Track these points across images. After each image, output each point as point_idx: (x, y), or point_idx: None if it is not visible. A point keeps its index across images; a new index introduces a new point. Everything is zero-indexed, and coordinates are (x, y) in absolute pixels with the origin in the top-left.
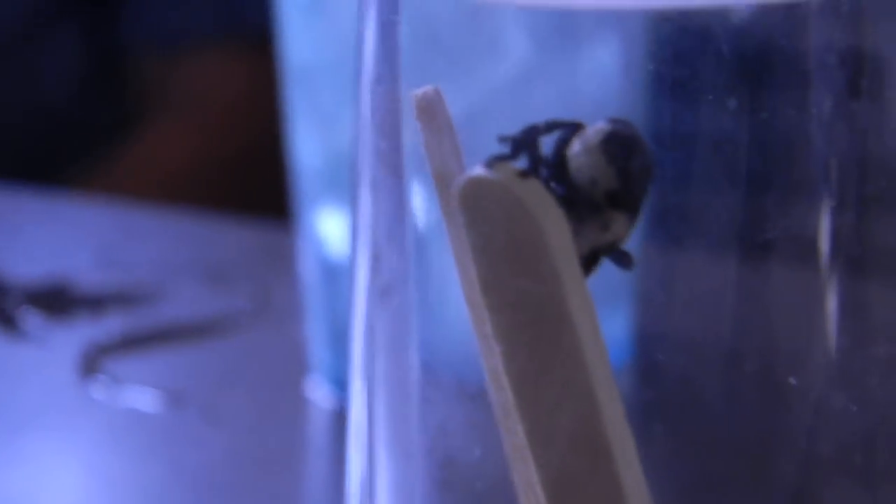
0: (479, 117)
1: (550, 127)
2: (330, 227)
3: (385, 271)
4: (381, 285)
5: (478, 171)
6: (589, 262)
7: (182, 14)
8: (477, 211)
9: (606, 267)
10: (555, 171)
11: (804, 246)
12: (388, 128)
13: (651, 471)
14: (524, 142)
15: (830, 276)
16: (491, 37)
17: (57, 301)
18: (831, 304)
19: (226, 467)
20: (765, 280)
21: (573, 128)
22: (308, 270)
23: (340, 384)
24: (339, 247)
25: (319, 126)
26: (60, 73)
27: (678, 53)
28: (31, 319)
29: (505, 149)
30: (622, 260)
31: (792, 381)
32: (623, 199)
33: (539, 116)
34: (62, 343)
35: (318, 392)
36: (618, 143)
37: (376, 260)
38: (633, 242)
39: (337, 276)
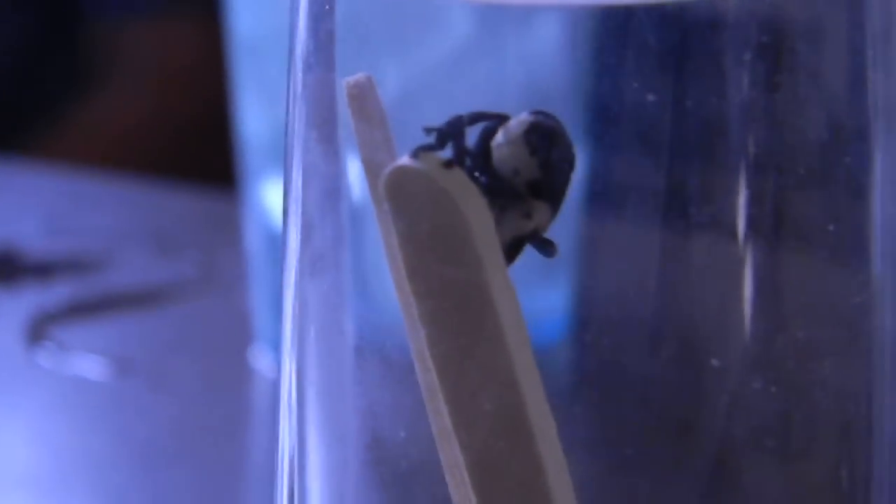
0: (408, 106)
1: (475, 118)
2: (275, 198)
3: (316, 244)
4: (312, 258)
5: (403, 161)
6: (512, 250)
7: None
8: (402, 200)
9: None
10: (479, 161)
11: (725, 232)
12: (321, 106)
13: (575, 447)
14: (449, 133)
15: (749, 263)
16: (419, 25)
17: (4, 268)
18: (750, 288)
19: (171, 435)
20: (687, 265)
21: (497, 119)
22: (253, 240)
23: None
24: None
25: (265, 98)
26: (10, 37)
27: (606, 43)
28: None
29: (431, 139)
30: (544, 247)
31: (714, 362)
32: (544, 189)
33: (467, 106)
34: (9, 310)
35: (263, 360)
36: (539, 135)
37: (307, 233)
38: (569, 221)
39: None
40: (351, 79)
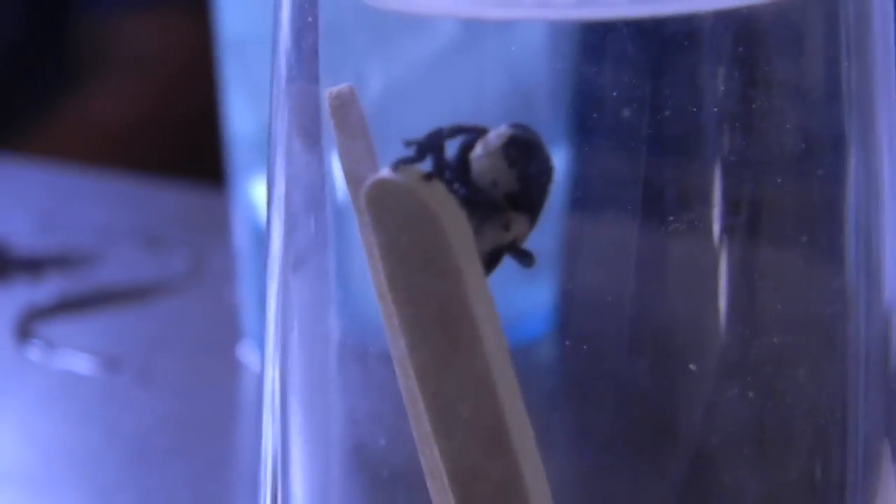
0: (390, 115)
1: (455, 131)
2: (262, 195)
3: (300, 241)
4: (295, 255)
5: (384, 173)
6: (490, 261)
7: None
8: (383, 212)
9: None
10: (458, 173)
11: (702, 238)
12: (304, 117)
13: (553, 452)
14: (429, 146)
15: (725, 269)
16: (402, 36)
17: None
18: (726, 294)
19: (160, 430)
20: (664, 272)
21: (476, 132)
22: (241, 237)
23: None
24: None
25: (252, 96)
26: (0, 31)
27: (586, 53)
28: None
29: (411, 152)
30: (523, 258)
31: (692, 367)
32: (522, 201)
33: (449, 115)
34: None
35: (251, 356)
36: (518, 147)
37: (291, 230)
38: (551, 224)
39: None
40: (333, 90)
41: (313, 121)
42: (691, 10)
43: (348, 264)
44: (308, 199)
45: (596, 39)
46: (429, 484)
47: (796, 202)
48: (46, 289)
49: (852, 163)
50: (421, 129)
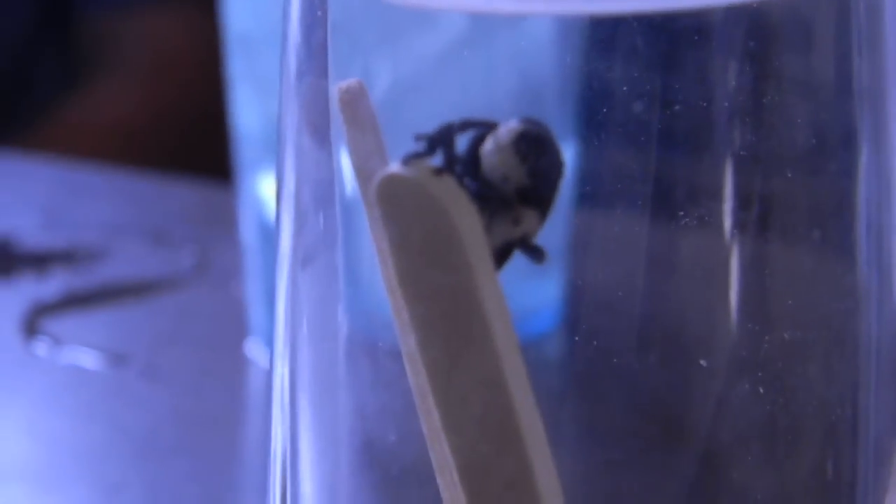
0: (399, 110)
1: (465, 126)
2: (269, 191)
3: (309, 238)
4: (305, 252)
5: (394, 168)
6: (501, 256)
7: None
8: (393, 206)
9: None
10: (468, 168)
11: (713, 234)
12: (313, 112)
13: (564, 447)
14: (439, 140)
15: (736, 265)
16: (411, 30)
17: (0, 259)
18: (737, 289)
19: (167, 426)
20: (674, 268)
21: (487, 127)
22: (247, 233)
23: None
24: None
25: (259, 92)
26: (5, 27)
27: (596, 47)
28: None
29: (421, 146)
30: (533, 254)
31: (702, 363)
32: (533, 196)
33: (458, 110)
34: (5, 302)
35: (258, 352)
36: (528, 142)
37: (300, 226)
38: (561, 219)
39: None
40: (343, 84)
41: (323, 116)
42: (702, 5)
43: (358, 260)
44: (317, 194)
45: (606, 34)
46: (439, 480)
47: (807, 198)
48: (53, 285)
49: (863, 158)
50: (430, 123)
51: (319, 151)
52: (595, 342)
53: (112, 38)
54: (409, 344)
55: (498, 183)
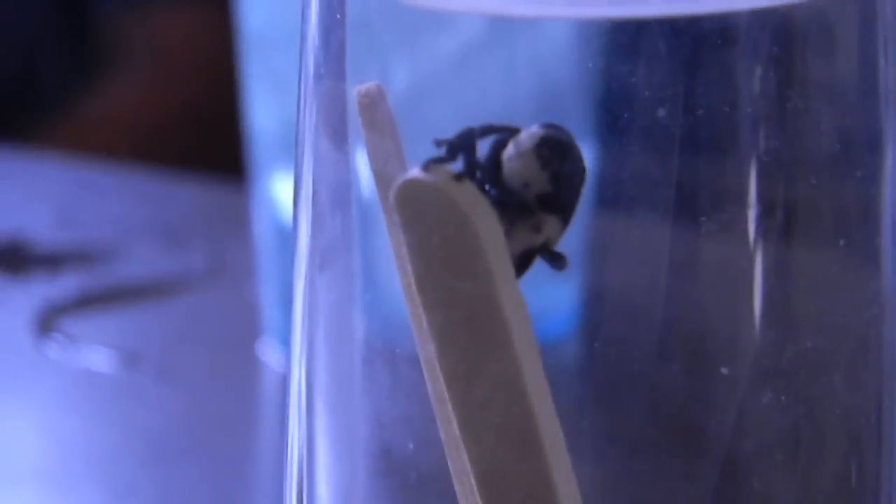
0: (418, 113)
1: (486, 131)
2: (284, 191)
3: (327, 241)
4: (322, 256)
5: (414, 173)
6: (521, 263)
7: None
8: (413, 212)
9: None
10: (489, 174)
11: (736, 240)
12: (332, 115)
13: (583, 456)
14: (460, 145)
15: (760, 272)
16: (430, 33)
17: (12, 259)
18: (760, 297)
19: (179, 427)
20: (697, 275)
21: (508, 132)
22: (261, 233)
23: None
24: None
25: (275, 92)
26: (20, 24)
27: (617, 51)
28: None
29: (441, 152)
30: (554, 261)
31: (724, 371)
32: (554, 203)
33: (478, 113)
34: (17, 301)
35: (271, 353)
36: (550, 148)
37: (317, 230)
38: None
39: (290, 239)
40: (362, 88)
41: (341, 119)
42: (726, 8)
43: (376, 265)
44: (335, 197)
45: (627, 37)
46: (457, 488)
47: (832, 204)
48: (65, 284)
49: (889, 163)
50: (449, 126)
51: (337, 154)
52: (614, 348)
53: (126, 36)
54: (427, 350)
55: (519, 189)
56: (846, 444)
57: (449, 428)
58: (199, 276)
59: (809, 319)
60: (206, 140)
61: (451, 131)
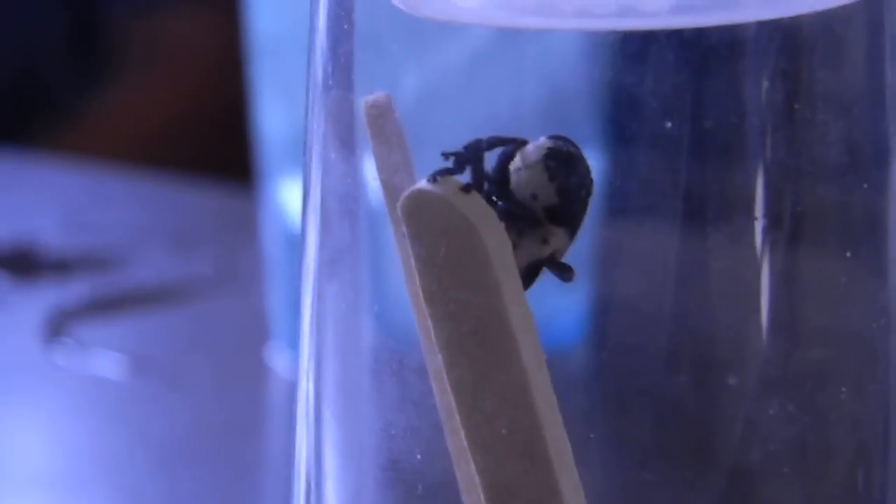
0: (426, 122)
1: (494, 143)
2: (292, 197)
3: (335, 251)
4: (330, 265)
5: (421, 185)
6: (529, 275)
7: None
8: (420, 224)
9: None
10: (497, 185)
11: (743, 251)
12: (340, 125)
13: (590, 467)
14: (468, 157)
15: (767, 283)
16: (438, 43)
17: (22, 264)
18: (767, 307)
19: (187, 432)
20: (704, 285)
21: (516, 144)
22: (270, 239)
23: None
24: (300, 217)
25: (284, 97)
26: (32, 29)
27: (625, 62)
28: None
29: (449, 163)
30: (562, 272)
31: (731, 381)
32: (562, 214)
33: (485, 123)
34: (26, 307)
35: (280, 360)
36: (558, 160)
37: (325, 239)
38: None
39: (298, 244)
40: (370, 98)
41: (349, 130)
42: (734, 20)
43: (384, 275)
44: (343, 208)
45: (635, 48)
46: (465, 499)
47: (839, 214)
48: (75, 290)
49: None
50: (456, 137)
51: (345, 165)
52: (622, 358)
53: (135, 41)
54: (435, 362)
55: (526, 201)
56: (853, 455)
57: (456, 439)
58: (207, 281)
59: (817, 330)
60: (215, 145)
61: (458, 142)
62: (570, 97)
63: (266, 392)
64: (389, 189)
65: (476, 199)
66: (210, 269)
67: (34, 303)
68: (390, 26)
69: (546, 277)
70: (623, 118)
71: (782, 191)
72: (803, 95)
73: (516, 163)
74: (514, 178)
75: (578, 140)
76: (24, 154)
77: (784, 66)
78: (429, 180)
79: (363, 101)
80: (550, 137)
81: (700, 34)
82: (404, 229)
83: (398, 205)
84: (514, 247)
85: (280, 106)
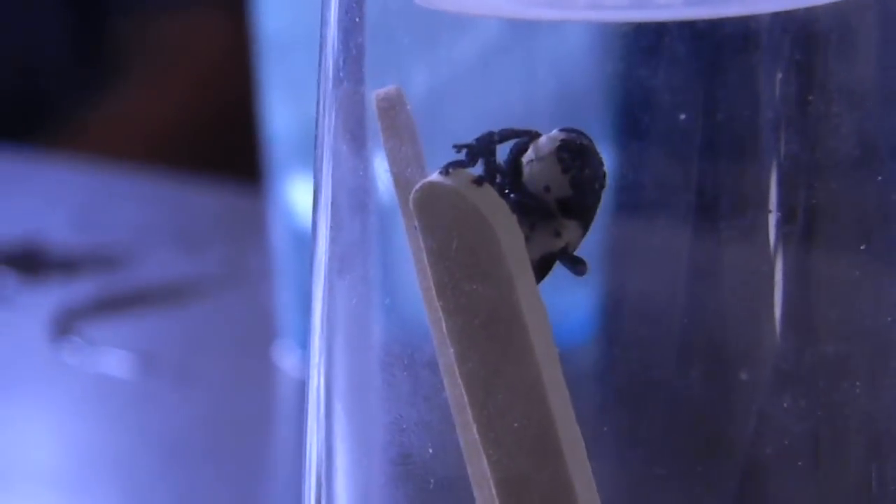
0: (438, 116)
1: (506, 135)
2: (301, 195)
3: (346, 246)
4: (341, 260)
5: (433, 177)
6: (541, 268)
7: None
8: (432, 216)
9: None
10: (509, 178)
11: (756, 245)
12: (351, 119)
13: (603, 461)
14: (480, 149)
15: (780, 277)
16: (449, 36)
17: (29, 263)
18: (780, 301)
19: (195, 431)
20: (717, 279)
21: (528, 136)
22: (278, 237)
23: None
24: (309, 214)
25: (292, 95)
26: (38, 30)
27: (637, 55)
28: (4, 281)
29: (461, 156)
30: (575, 265)
31: (743, 376)
32: (575, 207)
33: (497, 117)
34: (34, 305)
35: (287, 358)
36: (571, 152)
37: (336, 234)
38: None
39: (307, 243)
40: (381, 92)
41: (360, 123)
42: (747, 11)
43: (395, 269)
44: (354, 202)
45: (647, 41)
46: (476, 494)
47: (853, 209)
48: (82, 288)
49: None
50: (468, 130)
51: (356, 158)
52: (634, 353)
53: (142, 40)
54: (447, 355)
55: (539, 193)
56: (867, 450)
57: (468, 433)
58: (215, 280)
59: (830, 324)
60: (223, 144)
61: (470, 135)
62: (582, 90)
63: (274, 390)
64: (401, 182)
65: (488, 191)
66: (217, 267)
67: (42, 302)
68: (401, 19)
69: (558, 274)
70: (635, 111)
71: (796, 184)
72: (817, 88)
73: (529, 155)
74: (526, 171)
75: (590, 133)
76: (31, 154)
77: (798, 59)
78: (441, 173)
79: (374, 94)
80: (563, 129)
81: (713, 26)
82: (416, 222)
83: (410, 198)
84: (527, 239)
85: (288, 104)
